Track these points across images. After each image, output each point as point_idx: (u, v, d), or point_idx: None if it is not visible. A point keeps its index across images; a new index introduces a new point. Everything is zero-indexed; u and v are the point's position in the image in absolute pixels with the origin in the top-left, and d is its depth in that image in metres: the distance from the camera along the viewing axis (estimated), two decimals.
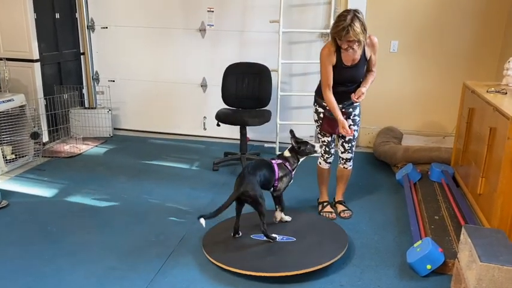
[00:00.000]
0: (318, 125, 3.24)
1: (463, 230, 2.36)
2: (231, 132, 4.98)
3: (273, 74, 4.37)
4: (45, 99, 4.64)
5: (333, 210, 3.36)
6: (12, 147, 4.18)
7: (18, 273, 2.58)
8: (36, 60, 4.55)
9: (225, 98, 4.35)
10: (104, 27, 5.26)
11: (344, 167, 3.35)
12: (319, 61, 3.00)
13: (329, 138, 3.25)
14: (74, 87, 5.07)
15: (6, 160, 4.10)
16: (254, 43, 4.84)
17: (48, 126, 4.73)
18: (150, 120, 5.42)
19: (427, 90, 4.79)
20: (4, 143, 4.09)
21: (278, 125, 4.74)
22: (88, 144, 4.88)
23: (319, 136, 3.27)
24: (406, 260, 2.72)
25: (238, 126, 4.19)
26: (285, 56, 4.77)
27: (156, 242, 2.95)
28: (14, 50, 4.48)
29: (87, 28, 5.25)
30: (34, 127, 4.30)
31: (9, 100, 4.09)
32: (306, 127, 5.05)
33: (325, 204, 3.40)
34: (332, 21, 4.49)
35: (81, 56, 5.31)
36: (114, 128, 5.38)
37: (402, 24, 4.66)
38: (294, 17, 4.73)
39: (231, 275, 2.58)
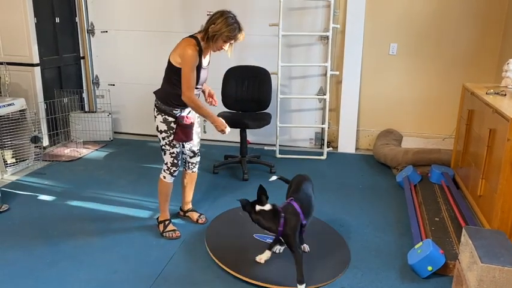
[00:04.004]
0: (167, 136, 2.90)
1: (463, 231, 2.36)
2: (231, 135, 4.96)
3: (272, 77, 4.38)
4: (45, 103, 4.65)
5: (176, 228, 3.09)
6: (13, 151, 4.18)
7: (19, 277, 2.58)
8: (37, 65, 4.56)
9: (225, 101, 4.36)
10: (103, 31, 5.27)
11: (193, 172, 3.21)
12: (182, 63, 2.74)
13: (178, 149, 2.96)
14: (74, 91, 5.08)
15: (7, 164, 4.10)
16: (253, 46, 4.86)
17: (49, 130, 4.74)
18: (150, 123, 5.37)
19: (426, 92, 4.80)
20: (5, 147, 4.09)
21: (278, 128, 4.75)
22: (88, 148, 4.89)
23: (168, 148, 2.93)
24: (407, 262, 2.73)
25: (238, 129, 4.19)
26: (285, 59, 4.79)
27: (157, 245, 2.95)
28: (14, 54, 4.50)
29: (87, 32, 5.27)
30: (34, 131, 4.30)
31: (10, 104, 4.09)
32: (306, 130, 5.07)
33: (167, 223, 3.10)
34: (331, 25, 4.56)
35: (81, 60, 5.32)
36: (115, 132, 5.38)
37: (401, 27, 4.68)
38: (293, 20, 4.75)
39: (232, 278, 2.58)
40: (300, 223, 2.46)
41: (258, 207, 2.46)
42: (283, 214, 2.43)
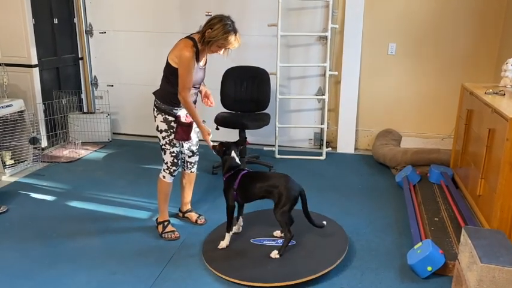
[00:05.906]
0: (167, 135, 2.91)
1: (463, 231, 2.36)
2: (230, 135, 4.97)
3: (271, 77, 4.38)
4: (43, 104, 4.64)
5: (175, 229, 3.08)
6: (11, 152, 4.18)
7: (18, 279, 2.57)
8: (35, 66, 4.55)
9: (224, 102, 4.35)
10: (102, 32, 5.26)
11: (192, 172, 3.21)
12: (179, 64, 2.75)
13: (178, 149, 2.98)
14: (72, 92, 5.07)
15: (6, 165, 4.09)
16: (252, 47, 4.85)
17: (47, 131, 4.73)
18: (149, 124, 5.35)
19: (425, 92, 4.80)
20: (3, 148, 4.09)
21: (277, 128, 4.75)
22: (87, 149, 4.88)
23: (168, 147, 2.94)
24: (407, 262, 2.72)
25: (237, 130, 4.19)
26: (283, 59, 4.78)
27: (156, 246, 2.95)
28: (12, 56, 4.49)
29: (86, 33, 5.26)
30: (33, 132, 4.29)
31: (8, 105, 4.09)
32: (305, 130, 5.07)
33: (166, 224, 3.10)
34: (330, 25, 4.56)
35: (80, 61, 5.32)
36: (113, 133, 5.37)
37: (400, 27, 4.67)
38: (292, 20, 4.75)
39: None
40: (232, 187, 2.82)
41: (233, 154, 2.90)
42: (232, 171, 2.85)
